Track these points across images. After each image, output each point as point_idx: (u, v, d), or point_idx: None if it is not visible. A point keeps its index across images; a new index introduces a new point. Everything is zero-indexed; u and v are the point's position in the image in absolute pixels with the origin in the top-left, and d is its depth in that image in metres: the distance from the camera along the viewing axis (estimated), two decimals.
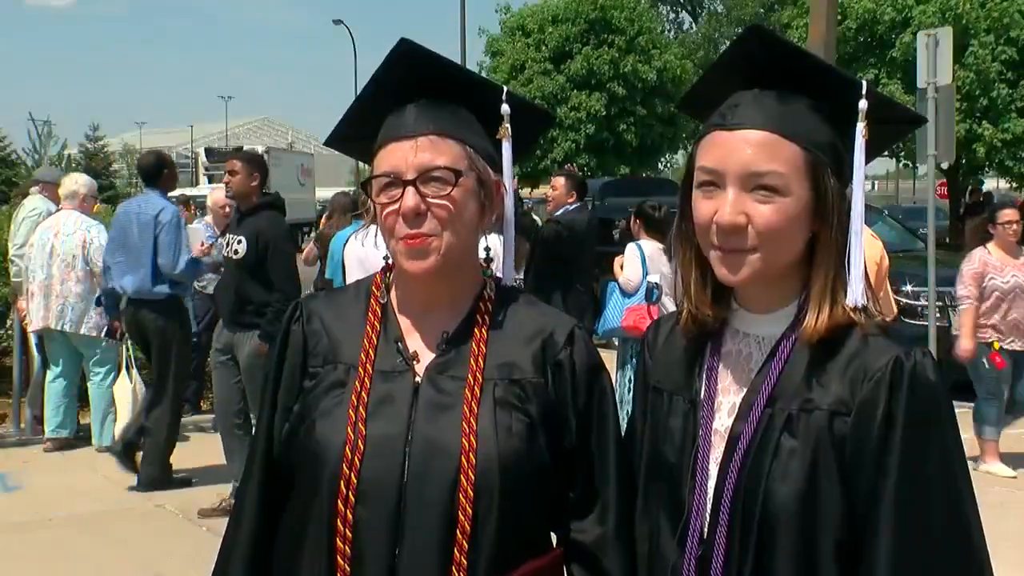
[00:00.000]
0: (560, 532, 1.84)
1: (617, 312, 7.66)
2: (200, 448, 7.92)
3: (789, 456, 1.61)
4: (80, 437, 8.24)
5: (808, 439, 1.61)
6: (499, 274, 1.92)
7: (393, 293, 1.88)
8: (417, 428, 1.73)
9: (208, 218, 9.70)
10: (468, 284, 1.86)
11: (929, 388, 1.59)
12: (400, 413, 1.75)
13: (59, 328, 7.83)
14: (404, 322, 1.85)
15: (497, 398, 1.76)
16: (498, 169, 1.86)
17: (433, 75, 1.83)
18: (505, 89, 1.88)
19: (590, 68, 33.35)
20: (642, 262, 7.71)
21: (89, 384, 8.06)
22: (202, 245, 9.21)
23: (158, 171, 7.26)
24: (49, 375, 8.08)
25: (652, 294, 7.62)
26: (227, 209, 9.22)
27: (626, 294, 7.73)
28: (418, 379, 1.78)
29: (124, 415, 7.66)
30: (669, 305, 7.58)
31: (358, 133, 1.91)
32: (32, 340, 8.29)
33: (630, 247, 7.94)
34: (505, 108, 1.85)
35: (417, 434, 1.73)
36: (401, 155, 1.77)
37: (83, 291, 7.82)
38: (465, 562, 1.68)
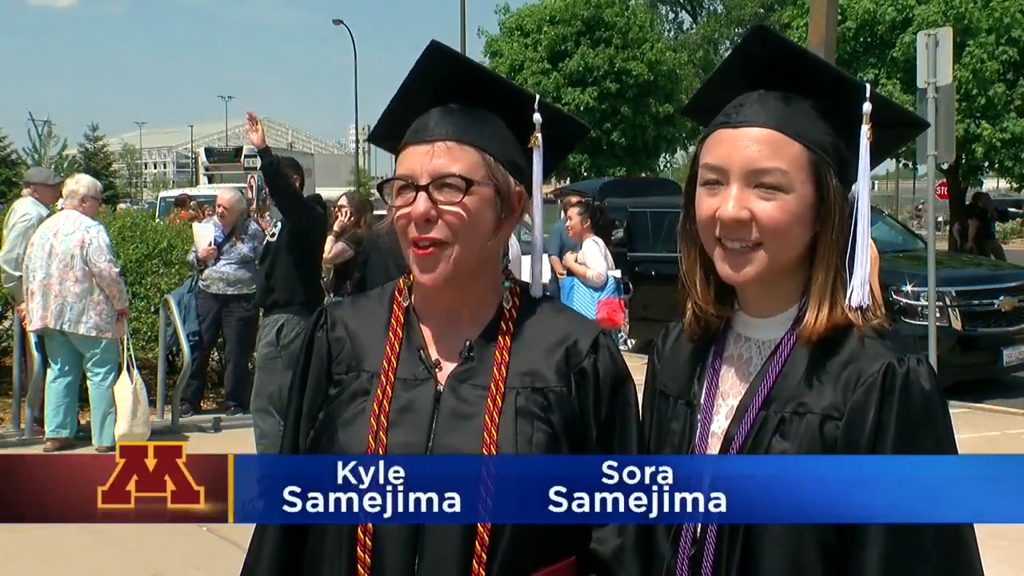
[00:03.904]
0: (581, 540, 1.79)
1: (587, 306, 7.80)
2: (200, 448, 7.90)
3: None
4: (80, 437, 8.23)
5: (799, 442, 1.62)
6: (526, 280, 1.90)
7: (416, 299, 1.87)
8: (437, 437, 1.73)
9: (216, 218, 9.72)
10: (490, 292, 1.84)
11: (922, 395, 1.59)
12: (421, 422, 1.74)
13: (58, 328, 7.83)
14: (427, 330, 1.84)
15: (519, 407, 1.74)
16: (524, 179, 1.84)
17: (462, 80, 1.81)
18: (537, 97, 1.85)
19: (586, 67, 33.39)
20: (604, 257, 8.10)
21: (89, 384, 8.04)
22: (209, 245, 9.26)
23: None
24: (49, 375, 8.07)
25: (620, 288, 8.04)
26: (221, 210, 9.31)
27: (593, 288, 7.91)
28: (439, 387, 1.77)
29: (124, 415, 7.66)
30: None
31: (394, 134, 1.90)
32: (32, 340, 8.29)
33: (588, 243, 8.31)
34: (537, 117, 1.83)
35: (437, 443, 1.72)
36: (417, 159, 1.76)
37: (81, 291, 7.81)
38: (484, 574, 1.67)
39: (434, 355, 1.81)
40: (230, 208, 9.34)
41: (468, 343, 1.80)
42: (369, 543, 1.69)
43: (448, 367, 1.79)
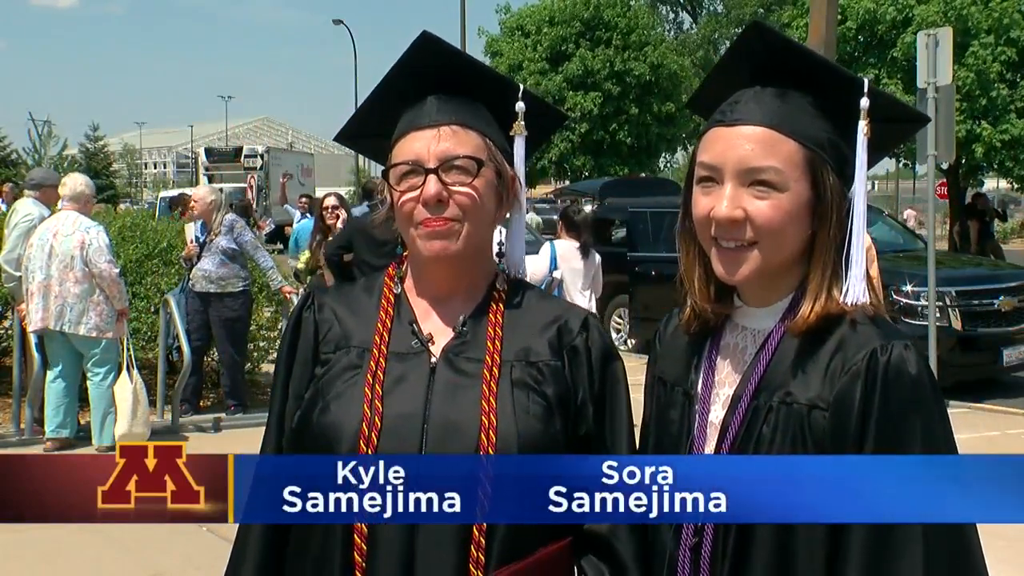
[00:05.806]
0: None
1: None
2: (200, 448, 7.88)
3: (768, 448, 1.63)
4: (80, 437, 8.23)
5: (786, 432, 1.63)
6: (509, 268, 1.93)
7: (407, 283, 1.90)
8: (434, 407, 1.74)
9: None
10: (483, 275, 1.88)
11: (908, 381, 1.58)
12: (417, 393, 1.76)
13: (58, 328, 7.83)
14: (419, 307, 1.86)
15: (515, 379, 1.77)
16: (513, 165, 1.88)
17: (453, 69, 1.85)
18: (521, 87, 1.90)
19: (586, 68, 33.39)
20: (552, 259, 8.82)
21: (89, 384, 8.04)
22: (191, 244, 9.22)
23: None
24: (49, 375, 8.07)
25: (553, 287, 8.75)
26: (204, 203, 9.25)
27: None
28: (434, 360, 1.79)
29: (124, 415, 7.66)
30: (576, 297, 8.77)
31: (372, 129, 1.92)
32: (32, 340, 8.29)
33: (544, 245, 9.04)
34: (520, 105, 1.87)
35: (434, 413, 1.73)
36: (423, 144, 1.79)
37: (82, 292, 7.81)
38: (484, 542, 1.68)
39: (427, 329, 1.83)
40: (199, 200, 9.19)
41: (462, 318, 1.83)
42: (364, 547, 1.69)
43: (441, 341, 1.82)
